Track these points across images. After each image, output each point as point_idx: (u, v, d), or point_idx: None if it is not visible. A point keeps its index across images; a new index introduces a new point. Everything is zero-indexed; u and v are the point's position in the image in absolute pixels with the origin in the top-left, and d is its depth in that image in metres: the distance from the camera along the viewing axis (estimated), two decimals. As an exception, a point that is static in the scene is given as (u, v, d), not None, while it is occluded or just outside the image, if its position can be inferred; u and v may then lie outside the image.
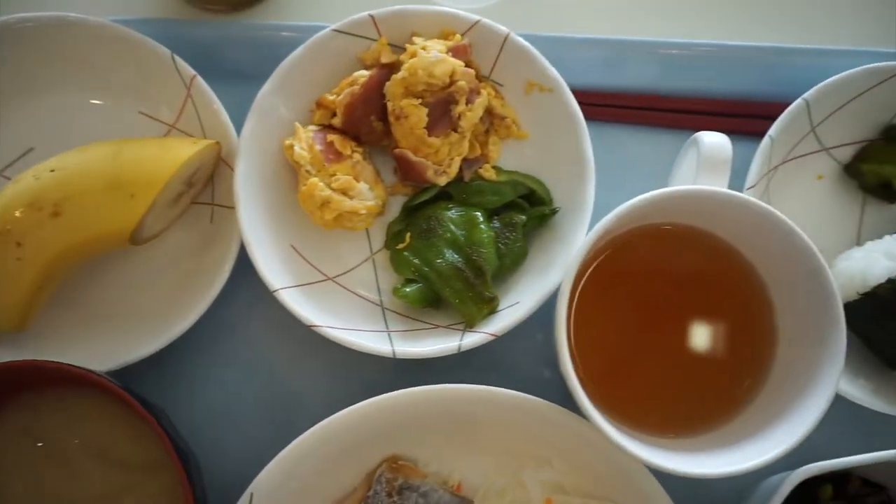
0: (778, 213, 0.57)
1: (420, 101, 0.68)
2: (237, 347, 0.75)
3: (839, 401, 0.67)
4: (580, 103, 0.73)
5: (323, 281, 0.71)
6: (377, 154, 0.75)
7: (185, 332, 0.69)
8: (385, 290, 0.72)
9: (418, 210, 0.72)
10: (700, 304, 0.64)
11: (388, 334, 0.68)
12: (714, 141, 0.60)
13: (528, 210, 0.71)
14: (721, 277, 0.64)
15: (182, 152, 0.65)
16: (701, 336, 0.64)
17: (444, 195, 0.72)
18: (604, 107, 0.78)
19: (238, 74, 0.75)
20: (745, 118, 0.77)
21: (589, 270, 0.62)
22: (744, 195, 0.57)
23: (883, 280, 0.65)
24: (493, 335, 0.66)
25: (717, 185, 0.59)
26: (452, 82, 0.68)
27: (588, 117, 0.75)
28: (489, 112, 0.73)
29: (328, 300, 0.70)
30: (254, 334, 0.75)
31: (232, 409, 0.74)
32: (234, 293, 0.73)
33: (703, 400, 0.64)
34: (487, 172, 0.72)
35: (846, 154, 0.77)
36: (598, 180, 0.69)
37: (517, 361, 0.73)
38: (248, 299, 0.74)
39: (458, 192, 0.72)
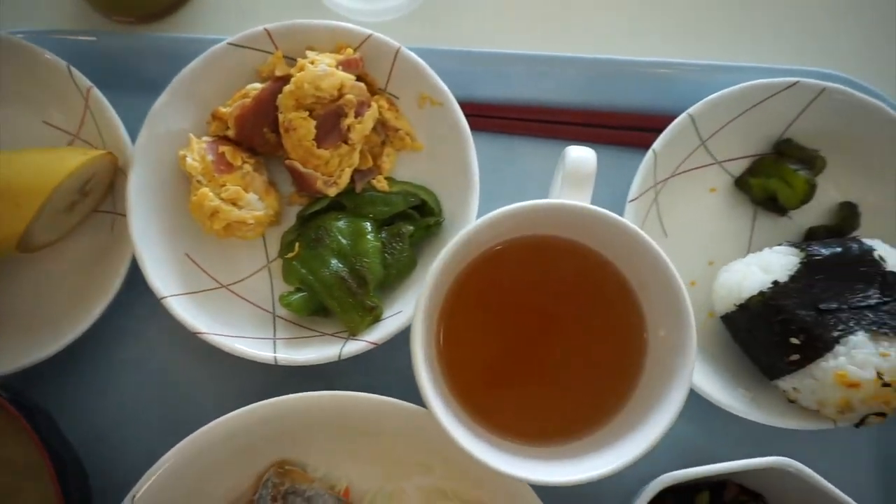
0: (630, 224, 0.58)
1: (309, 113, 0.70)
2: (137, 353, 0.77)
3: (723, 411, 0.69)
4: (477, 115, 0.75)
5: (216, 289, 0.73)
6: (277, 165, 0.77)
7: (87, 338, 0.71)
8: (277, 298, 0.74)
9: (311, 220, 0.73)
10: (574, 313, 0.65)
11: (274, 341, 0.70)
12: (577, 156, 0.62)
13: (418, 221, 0.73)
14: (595, 288, 0.65)
15: (69, 162, 0.67)
16: (575, 345, 0.65)
17: (338, 205, 0.74)
18: (500, 119, 0.79)
19: (146, 86, 0.76)
20: (641, 131, 0.78)
21: (461, 281, 0.64)
22: (596, 208, 0.58)
23: (755, 292, 0.67)
24: (373, 343, 0.67)
25: (580, 198, 0.61)
26: (341, 95, 0.70)
27: (483, 129, 0.77)
28: (383, 124, 0.75)
29: (220, 308, 0.71)
30: (154, 340, 0.77)
31: (129, 413, 0.75)
32: (137, 300, 0.75)
33: (578, 408, 0.65)
34: (380, 183, 0.74)
35: (739, 168, 0.78)
36: (490, 191, 0.71)
37: (407, 369, 0.74)
38: (149, 306, 0.75)
39: (351, 202, 0.73)
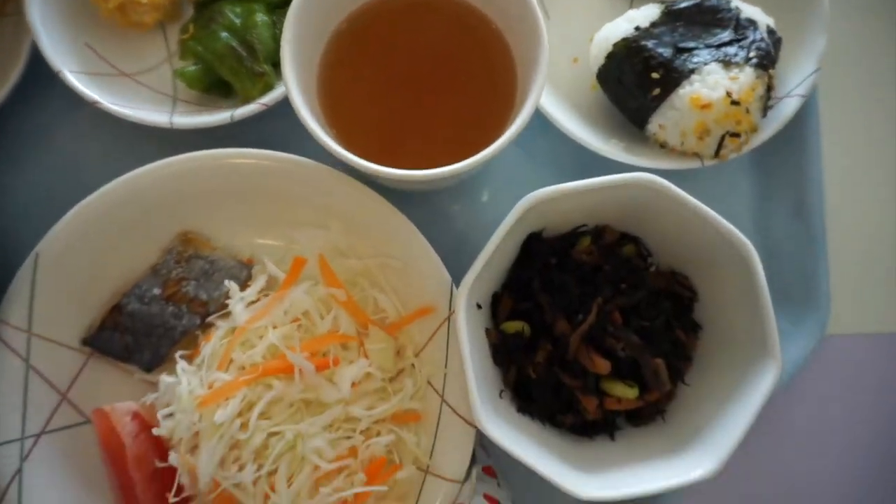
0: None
1: None
2: (38, 138, 0.80)
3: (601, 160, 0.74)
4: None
5: (117, 75, 0.76)
6: (175, -35, 0.80)
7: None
8: (180, 85, 0.77)
9: (207, 6, 0.77)
10: (451, 59, 0.69)
11: (172, 113, 0.73)
12: None
13: (308, 3, 0.76)
14: (468, 36, 0.69)
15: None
16: (455, 88, 0.68)
17: (233, -5, 0.77)
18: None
19: None
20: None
21: (340, 35, 0.67)
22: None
23: (619, 39, 0.71)
24: (264, 105, 0.71)
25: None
26: None
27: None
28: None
29: (120, 91, 0.75)
30: (70, 137, 0.80)
31: (30, 190, 0.79)
32: (41, 93, 0.78)
33: (462, 146, 0.67)
34: (271, -27, 0.77)
35: (617, -45, 0.82)
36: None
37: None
38: (62, 107, 0.79)
39: (244, -11, 0.77)
